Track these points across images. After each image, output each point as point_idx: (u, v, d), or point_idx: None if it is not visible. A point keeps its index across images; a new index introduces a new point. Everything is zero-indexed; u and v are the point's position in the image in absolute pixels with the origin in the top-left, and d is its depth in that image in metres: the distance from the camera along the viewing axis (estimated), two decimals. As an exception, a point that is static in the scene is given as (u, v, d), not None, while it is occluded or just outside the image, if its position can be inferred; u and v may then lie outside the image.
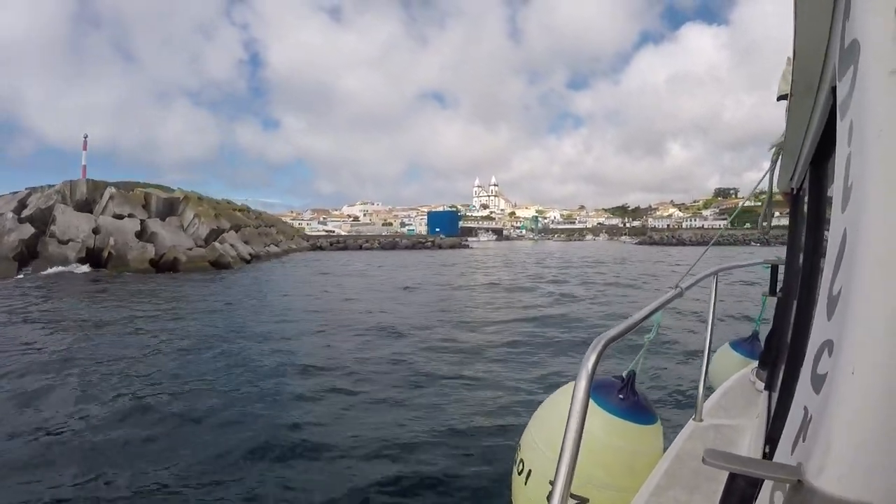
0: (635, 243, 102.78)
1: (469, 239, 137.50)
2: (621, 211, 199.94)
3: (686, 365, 7.36)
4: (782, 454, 0.73)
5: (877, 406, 0.50)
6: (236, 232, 35.07)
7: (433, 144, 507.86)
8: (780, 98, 1.92)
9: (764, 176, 2.35)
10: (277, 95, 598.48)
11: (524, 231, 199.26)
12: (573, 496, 1.78)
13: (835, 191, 0.71)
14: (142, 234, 28.51)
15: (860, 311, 0.53)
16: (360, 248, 63.52)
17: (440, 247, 67.25)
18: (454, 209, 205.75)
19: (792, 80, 1.22)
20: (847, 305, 0.56)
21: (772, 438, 1.66)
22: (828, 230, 1.33)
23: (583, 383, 0.95)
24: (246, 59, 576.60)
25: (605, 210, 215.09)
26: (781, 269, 2.86)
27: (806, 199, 2.00)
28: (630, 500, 1.70)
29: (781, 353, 2.32)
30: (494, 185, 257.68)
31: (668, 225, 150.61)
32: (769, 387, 2.48)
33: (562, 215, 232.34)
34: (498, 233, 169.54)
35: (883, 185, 0.54)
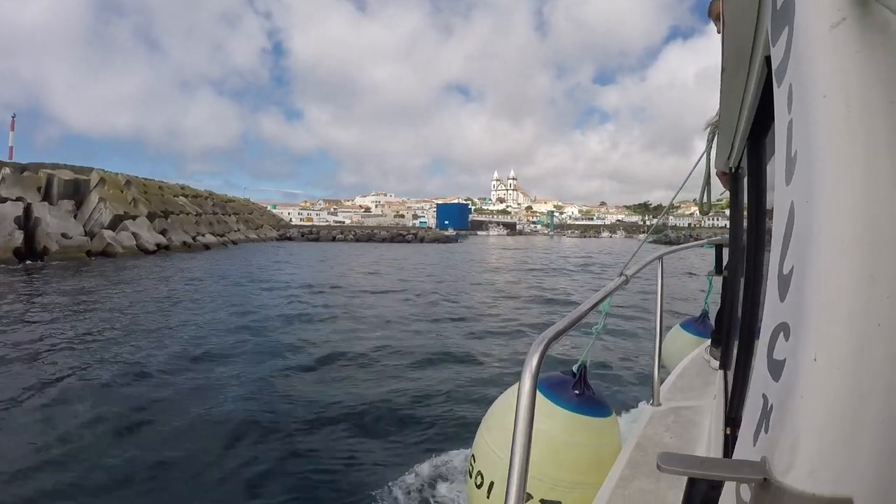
0: (650, 241, 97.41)
1: (479, 233, 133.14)
2: (642, 208, 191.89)
3: (637, 349, 7.13)
4: (744, 446, 0.69)
5: (845, 395, 0.47)
6: (151, 220, 31.71)
7: (457, 138, 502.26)
8: None
9: (701, 157, 2.29)
10: (301, 86, 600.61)
11: (539, 226, 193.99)
12: (546, 502, 1.75)
13: (776, 162, 0.66)
14: (27, 220, 25.43)
15: (818, 293, 0.49)
16: (334, 239, 60.02)
17: (422, 240, 63.17)
18: (467, 202, 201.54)
19: (723, 54, 1.16)
20: (802, 286, 0.52)
21: (731, 419, 1.65)
22: (771, 205, 1.33)
23: (527, 385, 0.89)
24: (269, 49, 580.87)
25: (626, 207, 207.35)
26: (726, 248, 2.87)
27: (745, 176, 1.95)
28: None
29: (733, 332, 2.32)
30: (513, 178, 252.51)
31: (689, 224, 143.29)
32: (724, 366, 2.44)
33: (580, 211, 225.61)
34: (510, 227, 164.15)
35: (833, 152, 0.49)
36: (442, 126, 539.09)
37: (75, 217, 27.27)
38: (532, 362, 0.92)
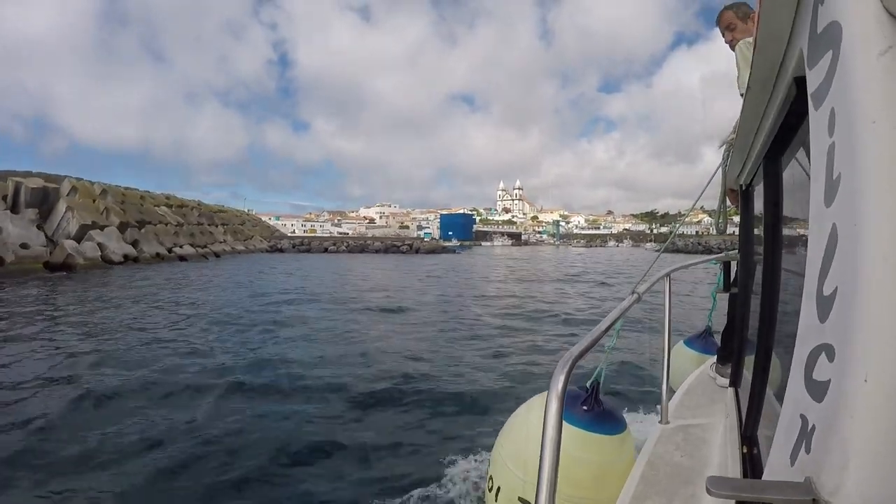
0: (657, 250, 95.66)
1: (483, 243, 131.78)
2: (649, 217, 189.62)
3: (642, 364, 6.96)
4: (778, 466, 0.69)
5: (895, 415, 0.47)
6: (122, 230, 30.60)
7: (463, 148, 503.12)
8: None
9: (715, 172, 2.36)
10: (307, 97, 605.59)
11: (545, 236, 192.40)
12: None
13: (813, 184, 0.67)
14: (-12, 229, 24.38)
15: (869, 315, 0.49)
16: (326, 250, 58.81)
17: (418, 251, 61.75)
18: (472, 213, 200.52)
19: (750, 74, 1.18)
20: (850, 308, 0.52)
21: (748, 437, 1.66)
22: (788, 224, 1.40)
23: (554, 406, 0.90)
24: (275, 60, 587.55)
25: (633, 216, 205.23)
26: (733, 264, 2.89)
27: (756, 194, 1.98)
28: None
29: (743, 349, 2.37)
30: (518, 188, 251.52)
31: (696, 231, 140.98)
32: (734, 383, 2.47)
33: (587, 220, 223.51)
34: (516, 237, 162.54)
35: (883, 177, 0.50)
36: (447, 136, 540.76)
37: (40, 227, 26.20)
38: (558, 385, 0.92)
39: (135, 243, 30.73)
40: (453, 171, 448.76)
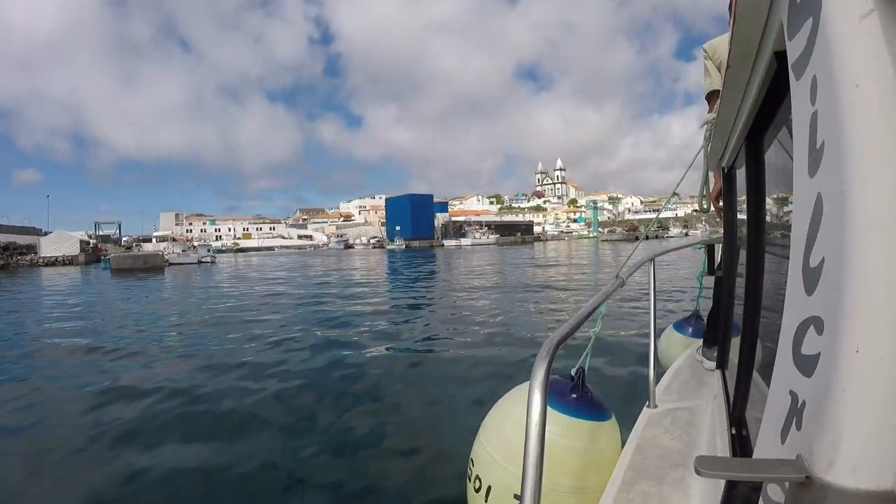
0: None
1: (446, 243, 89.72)
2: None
3: (629, 349, 6.69)
4: (768, 444, 0.68)
5: (889, 385, 0.46)
6: None
7: (526, 133, 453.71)
8: (708, 96, 2.33)
9: (698, 153, 2.31)
10: (357, 89, 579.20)
11: (582, 223, 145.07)
12: None
13: (796, 155, 0.66)
14: None
15: (857, 283, 0.47)
16: None
17: None
18: (492, 200, 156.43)
19: (730, 51, 1.17)
20: (839, 278, 0.50)
21: (736, 419, 1.66)
22: (771, 205, 1.40)
23: (538, 392, 0.87)
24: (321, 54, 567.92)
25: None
26: (717, 247, 2.89)
27: (738, 175, 1.98)
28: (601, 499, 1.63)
29: (728, 331, 2.36)
30: (560, 169, 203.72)
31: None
32: (721, 365, 2.47)
33: (643, 202, 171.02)
34: (517, 230, 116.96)
35: (868, 140, 0.49)
36: (511, 121, 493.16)
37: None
38: (541, 371, 0.89)
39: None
40: (520, 161, 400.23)
